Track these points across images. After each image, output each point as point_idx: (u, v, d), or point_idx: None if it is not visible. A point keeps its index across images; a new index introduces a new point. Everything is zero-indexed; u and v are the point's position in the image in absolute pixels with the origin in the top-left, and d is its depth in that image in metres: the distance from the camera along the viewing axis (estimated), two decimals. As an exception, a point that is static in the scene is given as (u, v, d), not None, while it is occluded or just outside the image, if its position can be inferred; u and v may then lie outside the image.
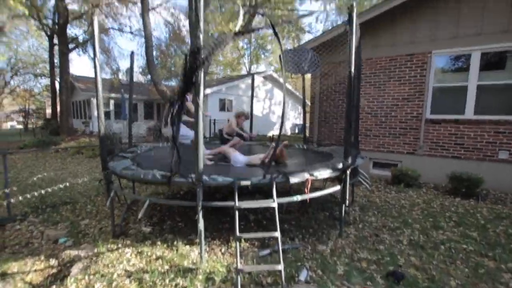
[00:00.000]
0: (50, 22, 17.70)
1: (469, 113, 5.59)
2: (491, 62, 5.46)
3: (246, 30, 2.84)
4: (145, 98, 18.75)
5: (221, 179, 2.62)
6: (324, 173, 2.86)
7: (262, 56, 29.85)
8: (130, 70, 4.84)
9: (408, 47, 6.14)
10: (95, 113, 18.03)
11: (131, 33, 17.22)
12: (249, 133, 6.03)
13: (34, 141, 13.20)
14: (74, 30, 18.43)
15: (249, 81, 16.44)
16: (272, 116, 19.93)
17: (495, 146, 5.37)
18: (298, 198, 2.77)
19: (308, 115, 7.93)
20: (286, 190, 4.86)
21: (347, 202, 3.15)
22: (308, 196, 2.75)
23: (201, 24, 2.28)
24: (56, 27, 16.45)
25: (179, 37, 17.73)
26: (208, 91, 14.86)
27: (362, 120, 6.73)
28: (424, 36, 5.97)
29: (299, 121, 21.51)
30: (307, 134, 6.83)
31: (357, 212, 4.30)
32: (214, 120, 14.54)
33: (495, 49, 5.33)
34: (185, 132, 4.06)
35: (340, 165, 2.95)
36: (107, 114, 17.65)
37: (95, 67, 2.92)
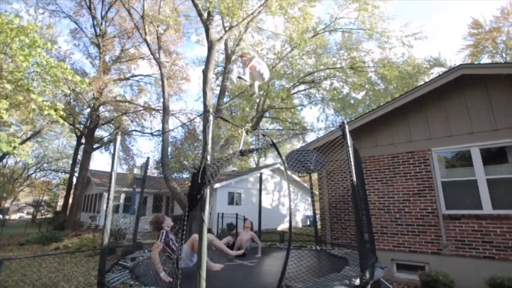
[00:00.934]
0: (82, 126, 20.09)
1: (487, 207, 5.37)
2: (492, 157, 5.61)
3: (250, 150, 3.14)
4: (154, 191, 19.07)
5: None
6: None
7: (270, 150, 31.60)
8: (144, 174, 5.14)
9: (407, 146, 6.50)
10: (104, 207, 18.11)
11: (151, 134, 19.14)
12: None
13: (36, 237, 12.82)
14: (101, 132, 20.54)
15: (258, 174, 16.90)
16: (282, 208, 19.44)
17: (528, 245, 4.89)
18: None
19: (317, 207, 7.74)
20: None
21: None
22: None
23: (209, 147, 2.56)
24: (86, 130, 18.54)
25: (193, 135, 19.49)
26: (217, 185, 15.15)
27: (375, 216, 6.48)
28: (420, 136, 6.41)
29: (310, 212, 20.74)
30: (319, 231, 6.49)
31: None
32: (222, 214, 14.22)
33: (491, 145, 5.58)
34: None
35: (358, 281, 2.66)
36: (115, 208, 17.65)
37: (110, 181, 3.16)
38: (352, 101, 14.73)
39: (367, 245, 2.85)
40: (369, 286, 2.70)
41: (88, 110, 18.72)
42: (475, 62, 19.65)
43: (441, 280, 5.03)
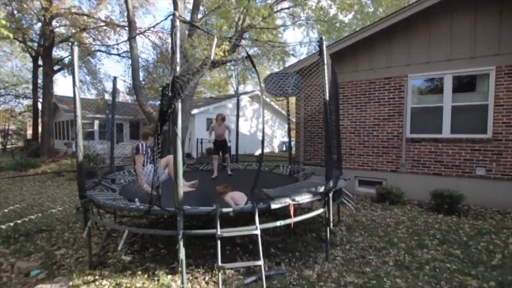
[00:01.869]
0: (35, 44, 17.57)
1: (446, 132, 5.85)
2: (462, 85, 5.82)
3: (222, 61, 2.90)
4: (131, 118, 18.57)
5: (202, 208, 2.58)
6: (306, 197, 2.87)
7: (249, 77, 30.52)
8: (113, 95, 4.84)
9: (385, 71, 6.47)
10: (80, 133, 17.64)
11: (119, 55, 17.29)
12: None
13: (11, 163, 12.63)
14: (60, 52, 18.23)
15: (236, 100, 16.67)
16: (260, 134, 20.08)
17: (472, 163, 5.59)
18: (281, 223, 2.75)
19: (294, 134, 8.07)
20: (272, 211, 4.81)
21: (332, 224, 3.15)
22: (291, 220, 2.73)
23: (178, 56, 2.33)
24: (41, 49, 16.34)
25: (166, 59, 17.94)
26: (195, 111, 14.92)
27: (346, 139, 6.90)
28: (400, 61, 6.33)
29: (287, 139, 21.76)
30: (293, 154, 6.91)
31: (344, 233, 4.28)
32: (201, 139, 14.49)
33: (464, 73, 5.70)
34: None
35: (322, 189, 2.97)
36: (91, 135, 17.27)
37: (74, 95, 2.91)
38: (338, 25, 13.79)
39: (333, 159, 3.09)
40: (331, 193, 3.05)
41: (39, 25, 16.07)
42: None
43: (394, 192, 5.81)
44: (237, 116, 6.99)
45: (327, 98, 2.88)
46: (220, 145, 5.96)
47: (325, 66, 2.87)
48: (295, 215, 2.82)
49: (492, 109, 5.42)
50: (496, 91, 5.37)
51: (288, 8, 14.56)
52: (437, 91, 6.04)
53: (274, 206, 2.66)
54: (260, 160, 2.81)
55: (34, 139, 19.71)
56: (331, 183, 2.96)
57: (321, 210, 3.15)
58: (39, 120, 18.87)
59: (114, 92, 4.92)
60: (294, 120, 8.34)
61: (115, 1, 18.54)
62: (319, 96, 6.93)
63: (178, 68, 2.34)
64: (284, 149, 20.58)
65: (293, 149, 8.12)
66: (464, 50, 5.65)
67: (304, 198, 2.86)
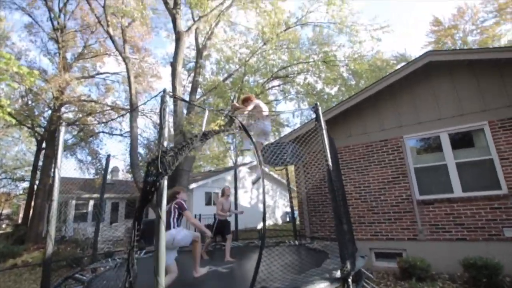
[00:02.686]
0: (43, 129, 18.47)
1: (457, 191, 5.49)
2: (460, 141, 5.76)
3: (214, 131, 2.79)
4: (127, 196, 18.03)
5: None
6: (323, 286, 2.31)
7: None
8: (104, 172, 4.65)
9: (380, 134, 6.53)
10: (71, 215, 16.75)
11: (121, 135, 18.01)
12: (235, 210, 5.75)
13: (-8, 254, 11.47)
14: (66, 136, 18.99)
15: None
16: (261, 206, 19.24)
17: (497, 223, 5.04)
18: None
19: (297, 203, 7.59)
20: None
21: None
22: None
23: (166, 131, 2.21)
24: (47, 133, 17.07)
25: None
26: (193, 185, 14.59)
27: (352, 206, 6.44)
28: (392, 123, 6.45)
29: (289, 209, 20.78)
30: (298, 226, 6.32)
31: (371, 326, 3.45)
32: (200, 215, 13.70)
33: (458, 130, 5.72)
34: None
35: (338, 273, 2.45)
36: (83, 216, 16.40)
37: (53, 176, 2.70)
38: (325, 97, 14.89)
39: (346, 235, 2.66)
40: (351, 277, 2.51)
41: (50, 112, 17.26)
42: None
43: (419, 265, 5.04)
44: (235, 187, 6.67)
45: (330, 163, 2.67)
46: (224, 225, 5.30)
47: (324, 131, 2.76)
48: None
49: (498, 163, 5.21)
50: (497, 145, 5.27)
51: (278, 86, 15.98)
52: (437, 149, 5.94)
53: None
54: (262, 244, 2.39)
55: (24, 223, 18.63)
56: (348, 265, 2.46)
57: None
58: (32, 202, 18.24)
59: (106, 169, 4.75)
60: (295, 188, 8.00)
61: (122, 88, 20.38)
62: (318, 163, 6.79)
63: (165, 143, 2.19)
64: (288, 219, 19.42)
65: (297, 219, 7.52)
66: (452, 108, 5.81)
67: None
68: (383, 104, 6.63)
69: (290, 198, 6.08)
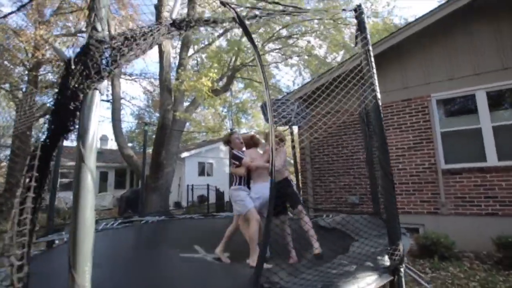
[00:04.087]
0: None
1: (492, 159, 4.65)
2: (500, 101, 4.84)
3: (196, 20, 1.67)
4: (116, 165, 17.16)
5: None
6: (369, 282, 1.41)
7: (243, 120, 30.34)
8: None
9: (401, 93, 5.54)
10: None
11: (108, 101, 16.71)
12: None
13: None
14: (45, 98, 17.65)
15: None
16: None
17: (536, 197, 4.28)
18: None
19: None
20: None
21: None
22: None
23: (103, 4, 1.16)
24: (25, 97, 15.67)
25: (158, 104, 17.69)
26: (185, 154, 13.70)
27: (364, 175, 5.61)
28: (418, 80, 5.44)
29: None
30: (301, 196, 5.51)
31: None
32: (192, 186, 12.96)
33: (499, 87, 4.75)
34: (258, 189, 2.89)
35: (387, 260, 1.59)
36: (66, 185, 15.57)
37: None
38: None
39: (396, 208, 1.75)
40: (403, 266, 1.64)
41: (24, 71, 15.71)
42: None
43: (442, 242, 4.32)
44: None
45: (379, 95, 1.72)
46: (282, 190, 2.91)
47: (370, 46, 1.77)
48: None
49: (547, 127, 4.33)
50: (547, 106, 4.36)
51: (280, 48, 14.57)
52: (470, 110, 5.01)
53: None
54: (269, 217, 1.47)
55: (7, 190, 17.85)
56: (401, 248, 1.57)
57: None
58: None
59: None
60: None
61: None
62: (327, 125, 5.84)
63: (99, 26, 1.17)
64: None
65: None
66: (493, 60, 4.79)
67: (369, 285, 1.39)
68: (407, 57, 5.57)
69: (296, 168, 5.21)
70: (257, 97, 18.58)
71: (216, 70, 6.84)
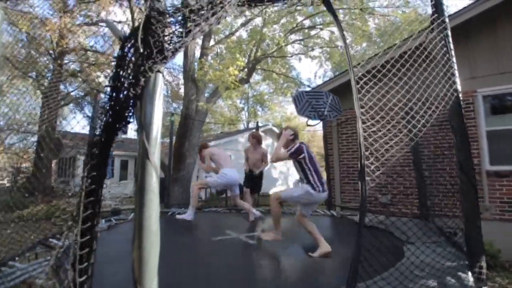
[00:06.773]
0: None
1: (547, 162, 4.23)
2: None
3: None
4: (136, 154, 17.47)
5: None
6: None
7: (259, 113, 30.10)
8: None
9: (443, 86, 5.13)
10: (80, 170, 16.50)
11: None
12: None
13: (-1, 204, 11.28)
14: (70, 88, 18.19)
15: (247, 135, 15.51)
16: (274, 172, 18.48)
17: None
18: None
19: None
20: None
21: None
22: None
23: None
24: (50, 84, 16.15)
25: (177, 95, 17.90)
26: (204, 145, 13.69)
27: (397, 174, 5.31)
28: (462, 74, 4.98)
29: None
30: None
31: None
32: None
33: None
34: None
35: (471, 279, 1.36)
36: (91, 173, 16.12)
37: None
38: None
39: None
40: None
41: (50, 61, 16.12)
42: None
43: (487, 251, 3.99)
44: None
45: (459, 88, 1.47)
46: (255, 178, 4.76)
47: (449, 31, 1.51)
48: None
49: None
50: None
51: (301, 40, 14.10)
52: (523, 108, 4.57)
53: None
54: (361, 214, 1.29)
55: (34, 176, 18.70)
56: (484, 266, 1.33)
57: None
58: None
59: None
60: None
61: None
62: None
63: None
64: (300, 187, 18.74)
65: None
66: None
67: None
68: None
69: (327, 162, 4.97)
70: (274, 89, 18.25)
71: (243, 59, 6.61)
